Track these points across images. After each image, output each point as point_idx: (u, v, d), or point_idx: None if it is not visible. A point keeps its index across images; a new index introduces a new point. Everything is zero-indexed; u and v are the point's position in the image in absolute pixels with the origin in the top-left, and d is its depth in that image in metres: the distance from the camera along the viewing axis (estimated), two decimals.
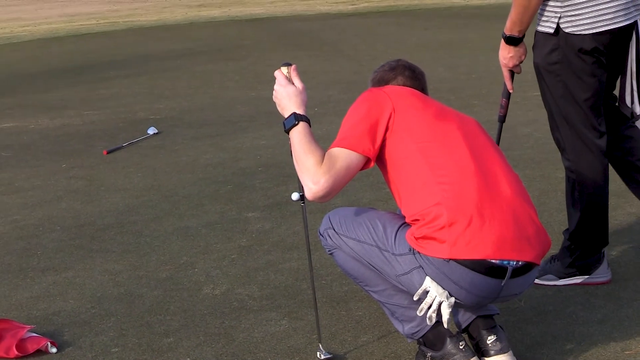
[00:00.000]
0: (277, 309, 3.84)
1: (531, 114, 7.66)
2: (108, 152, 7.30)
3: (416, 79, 3.25)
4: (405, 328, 3.14)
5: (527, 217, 2.89)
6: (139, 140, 7.72)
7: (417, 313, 2.90)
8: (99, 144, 7.68)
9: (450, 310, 2.84)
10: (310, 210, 5.22)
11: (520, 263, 2.82)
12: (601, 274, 3.84)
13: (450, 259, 2.77)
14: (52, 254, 4.82)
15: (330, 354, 3.33)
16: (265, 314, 3.80)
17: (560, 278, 3.86)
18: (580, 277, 3.84)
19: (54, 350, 3.55)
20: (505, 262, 2.79)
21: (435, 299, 2.84)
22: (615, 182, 5.43)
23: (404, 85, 3.20)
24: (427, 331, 3.08)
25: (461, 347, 2.99)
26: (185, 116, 8.92)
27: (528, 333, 3.42)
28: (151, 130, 8.03)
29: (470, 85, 9.63)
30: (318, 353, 3.33)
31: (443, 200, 2.80)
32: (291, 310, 3.82)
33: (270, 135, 7.56)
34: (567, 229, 3.88)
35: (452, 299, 2.83)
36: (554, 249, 4.06)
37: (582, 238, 3.80)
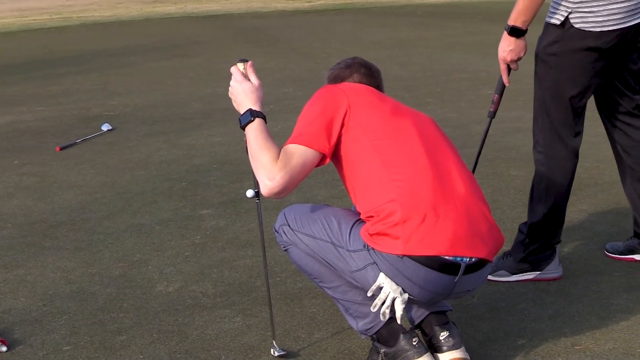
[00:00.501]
0: (231, 306, 3.83)
1: (484, 113, 7.72)
2: (61, 149, 7.23)
3: (372, 77, 3.26)
4: (359, 324, 3.15)
5: (481, 214, 2.91)
6: (92, 137, 7.65)
7: (371, 309, 2.91)
8: (52, 141, 7.60)
9: (403, 306, 2.85)
10: (265, 207, 5.21)
11: (473, 259, 2.84)
12: (552, 270, 3.89)
13: (404, 255, 2.78)
14: (3, 252, 4.75)
15: (284, 351, 3.33)
16: (219, 311, 3.78)
17: (513, 274, 3.90)
18: (532, 272, 3.88)
19: (4, 348, 3.50)
20: (458, 259, 2.81)
21: (389, 295, 2.85)
22: None
23: (359, 82, 3.21)
24: (381, 327, 3.09)
25: (414, 344, 3.01)
26: (139, 113, 8.86)
27: (480, 329, 3.45)
28: (105, 127, 7.97)
29: (425, 83, 9.68)
30: (272, 350, 3.33)
31: (397, 197, 2.81)
32: (245, 308, 3.81)
33: (225, 132, 7.54)
34: (525, 222, 3.92)
35: (406, 295, 2.85)
36: (507, 246, 4.11)
37: (540, 231, 3.85)
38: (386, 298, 2.86)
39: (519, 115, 7.53)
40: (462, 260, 2.82)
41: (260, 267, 4.22)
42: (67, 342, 3.56)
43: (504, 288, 3.84)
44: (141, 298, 3.99)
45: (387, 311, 2.87)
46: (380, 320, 3.03)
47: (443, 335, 3.03)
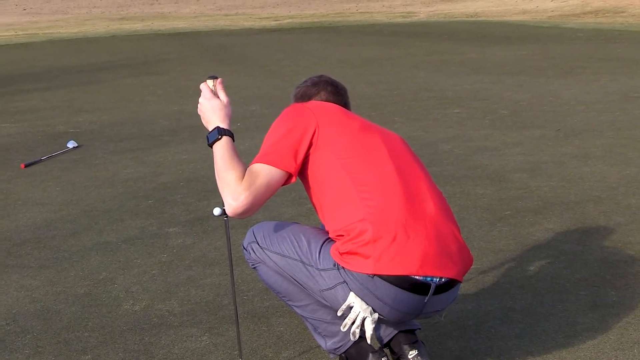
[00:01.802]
0: (198, 325, 3.80)
1: (451, 131, 7.77)
2: (26, 166, 7.16)
3: (339, 94, 3.26)
4: (328, 343, 3.13)
5: (451, 235, 2.92)
6: (58, 154, 7.59)
7: (341, 329, 2.90)
8: (17, 157, 7.53)
9: (373, 326, 2.85)
10: (232, 225, 5.19)
11: (443, 279, 2.84)
12: None
13: (374, 275, 2.77)
14: None
15: None
16: (186, 329, 3.75)
17: None
18: None
19: None
20: (428, 279, 2.81)
21: (359, 314, 2.84)
22: (532, 198, 5.55)
23: (326, 100, 3.21)
24: (350, 347, 3.08)
25: None
26: (105, 130, 8.81)
27: (448, 348, 3.45)
28: (71, 144, 7.91)
29: (392, 101, 9.72)
30: None
31: (368, 216, 2.81)
32: (212, 326, 3.78)
33: (192, 150, 7.51)
34: None
35: (376, 315, 2.84)
36: (476, 265, 4.12)
37: None
38: (356, 317, 2.85)
39: (486, 134, 7.58)
40: (432, 280, 2.82)
41: (227, 285, 4.20)
42: None
43: (471, 306, 3.85)
44: (107, 317, 3.95)
45: (357, 331, 2.86)
46: (350, 340, 3.02)
47: (412, 354, 3.03)
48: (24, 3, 42.36)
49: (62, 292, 4.28)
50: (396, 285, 2.77)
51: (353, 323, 2.85)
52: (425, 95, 10.07)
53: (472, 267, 4.29)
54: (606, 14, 22.80)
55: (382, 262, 2.75)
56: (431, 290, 2.81)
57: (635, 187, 5.66)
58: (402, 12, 27.63)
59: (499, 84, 10.58)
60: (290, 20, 25.48)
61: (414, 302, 2.82)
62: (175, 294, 4.18)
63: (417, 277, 2.78)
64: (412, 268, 2.77)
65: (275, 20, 25.60)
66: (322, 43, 17.91)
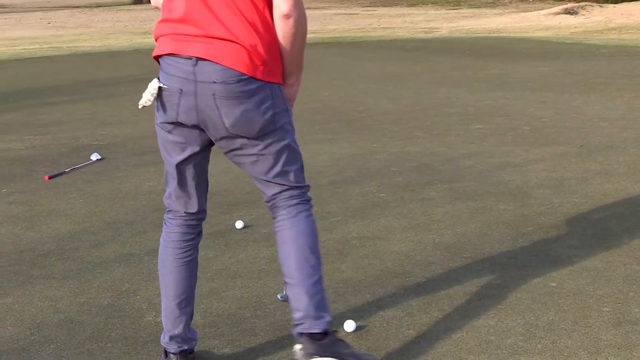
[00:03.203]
0: (220, 337, 3.82)
1: (473, 147, 7.77)
2: (50, 178, 7.22)
3: None
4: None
5: (224, 30, 3.10)
6: (81, 166, 7.64)
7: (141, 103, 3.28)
8: (41, 169, 7.59)
9: (155, 91, 3.24)
10: (254, 239, 5.22)
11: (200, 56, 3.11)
12: None
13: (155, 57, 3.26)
14: None
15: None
16: (208, 342, 3.77)
17: None
18: None
19: None
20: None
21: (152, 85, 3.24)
22: (555, 215, 5.53)
23: None
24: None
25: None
26: (128, 143, 8.86)
27: None
28: (94, 157, 7.96)
29: (414, 117, 9.73)
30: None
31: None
32: (234, 339, 3.80)
33: (214, 163, 7.51)
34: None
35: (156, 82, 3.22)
36: (498, 281, 4.10)
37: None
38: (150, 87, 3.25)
39: (509, 150, 7.57)
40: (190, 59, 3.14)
41: (249, 298, 4.22)
42: None
43: (493, 322, 3.85)
44: (130, 328, 3.97)
45: (151, 98, 3.25)
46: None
47: (297, 347, 3.31)
48: (49, 17, 42.72)
49: (85, 303, 4.31)
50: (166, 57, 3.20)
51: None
52: (447, 110, 10.07)
53: (495, 282, 4.30)
54: (629, 30, 22.75)
55: (158, 47, 3.24)
56: (193, 61, 3.11)
57: None
58: (424, 28, 27.68)
59: (522, 100, 10.56)
60: (312, 35, 25.57)
61: (185, 66, 3.13)
62: (197, 306, 4.19)
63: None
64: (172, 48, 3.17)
65: None
66: (343, 58, 17.95)
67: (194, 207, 3.42)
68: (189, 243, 3.45)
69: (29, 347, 3.79)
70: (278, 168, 3.30)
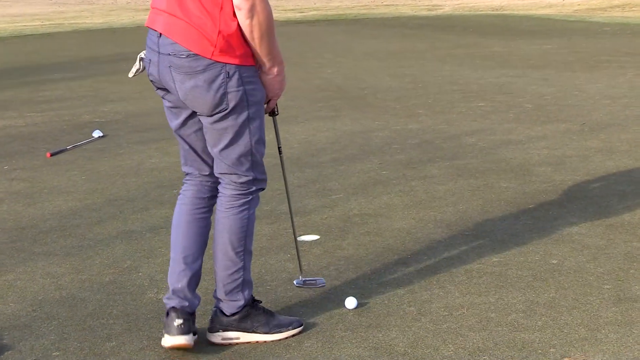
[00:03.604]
0: None
1: (475, 124, 7.76)
2: (52, 155, 7.22)
3: None
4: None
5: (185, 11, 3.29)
6: (83, 143, 7.64)
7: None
8: (42, 146, 7.59)
9: (137, 61, 3.49)
10: (256, 216, 5.22)
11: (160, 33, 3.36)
12: None
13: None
14: None
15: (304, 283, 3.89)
16: (209, 317, 3.77)
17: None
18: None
19: None
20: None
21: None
22: (556, 192, 5.54)
23: None
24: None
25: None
26: (130, 120, 8.85)
27: (470, 339, 3.46)
28: (96, 134, 7.96)
29: (416, 94, 9.70)
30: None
31: None
32: None
33: None
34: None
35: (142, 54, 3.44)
36: (500, 258, 4.11)
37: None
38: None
39: (511, 128, 7.56)
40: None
41: (251, 274, 4.23)
42: (57, 348, 3.55)
43: (494, 299, 3.86)
44: (131, 305, 3.98)
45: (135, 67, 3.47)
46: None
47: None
48: None
49: (87, 280, 4.32)
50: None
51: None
52: (450, 88, 10.05)
53: (496, 259, 4.31)
54: (633, 8, 22.62)
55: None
56: (157, 35, 3.37)
57: None
58: (427, 5, 27.55)
59: (524, 78, 10.53)
60: (315, 12, 25.49)
61: (152, 38, 3.40)
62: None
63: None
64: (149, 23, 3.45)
65: (300, 13, 25.60)
66: (346, 35, 17.89)
67: (206, 170, 3.56)
68: (202, 201, 3.58)
69: (31, 324, 3.81)
70: (221, 145, 3.41)
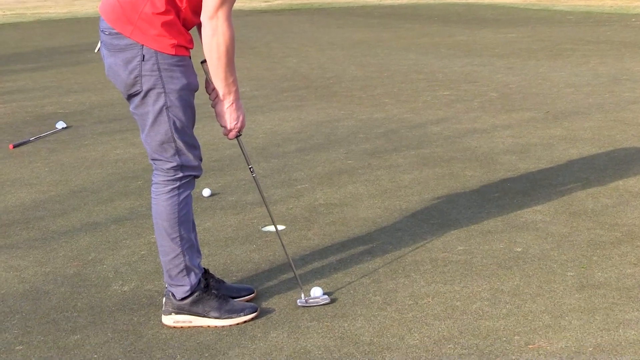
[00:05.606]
0: None
1: (440, 113, 7.78)
2: (14, 146, 7.14)
3: None
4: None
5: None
6: (46, 135, 7.57)
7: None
8: (5, 138, 7.51)
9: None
10: (221, 207, 5.21)
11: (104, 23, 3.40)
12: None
13: None
14: None
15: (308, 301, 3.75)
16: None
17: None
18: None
19: None
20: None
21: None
22: (520, 180, 5.56)
23: None
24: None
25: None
26: (94, 111, 8.79)
27: (435, 328, 3.47)
28: (60, 125, 7.89)
29: (382, 83, 9.72)
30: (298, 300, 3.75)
31: None
32: None
33: None
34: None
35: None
36: (464, 246, 4.12)
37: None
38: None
39: (476, 117, 7.59)
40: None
41: (216, 265, 4.22)
42: (20, 342, 3.52)
43: (458, 287, 3.87)
44: (96, 297, 3.96)
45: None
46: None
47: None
48: None
49: (51, 273, 4.29)
50: None
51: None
52: (415, 77, 10.07)
53: (461, 248, 4.33)
54: None
55: None
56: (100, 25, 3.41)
57: (622, 170, 5.69)
58: None
59: (489, 67, 10.58)
60: (280, 1, 25.40)
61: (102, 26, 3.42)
62: (164, 275, 4.17)
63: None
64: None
65: (266, 2, 25.53)
66: (311, 24, 17.87)
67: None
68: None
69: None
70: (145, 131, 3.47)
